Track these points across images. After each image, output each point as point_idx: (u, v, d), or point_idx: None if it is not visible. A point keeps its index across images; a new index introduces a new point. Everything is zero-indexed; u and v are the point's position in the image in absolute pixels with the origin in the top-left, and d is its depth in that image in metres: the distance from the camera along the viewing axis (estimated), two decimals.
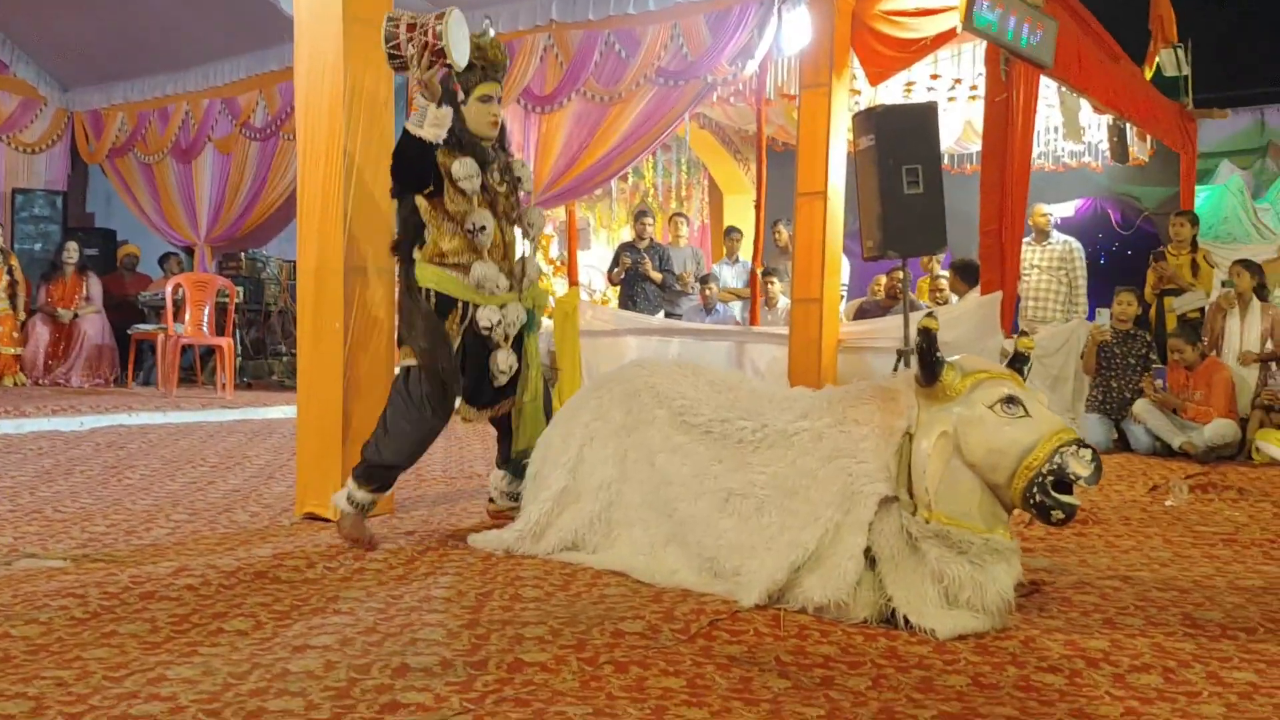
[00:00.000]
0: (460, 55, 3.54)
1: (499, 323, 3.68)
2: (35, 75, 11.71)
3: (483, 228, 3.65)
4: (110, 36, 10.64)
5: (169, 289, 8.99)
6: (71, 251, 9.94)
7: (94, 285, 10.00)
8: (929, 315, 2.61)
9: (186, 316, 8.95)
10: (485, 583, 3.07)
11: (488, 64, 3.80)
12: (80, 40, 10.86)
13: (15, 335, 9.42)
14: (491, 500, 4.08)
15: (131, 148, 11.72)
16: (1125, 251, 11.46)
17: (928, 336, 2.61)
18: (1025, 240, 8.59)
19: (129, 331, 9.61)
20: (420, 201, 3.65)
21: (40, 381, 9.55)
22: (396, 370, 3.86)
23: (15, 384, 9.28)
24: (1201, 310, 7.25)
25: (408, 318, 3.71)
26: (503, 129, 3.90)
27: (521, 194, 3.96)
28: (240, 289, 9.78)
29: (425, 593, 2.95)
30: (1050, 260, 8.46)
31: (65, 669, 2.22)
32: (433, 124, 3.50)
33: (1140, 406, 6.64)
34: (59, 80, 11.91)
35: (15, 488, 4.64)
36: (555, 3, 8.71)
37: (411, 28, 3.46)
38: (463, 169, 3.61)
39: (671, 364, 3.52)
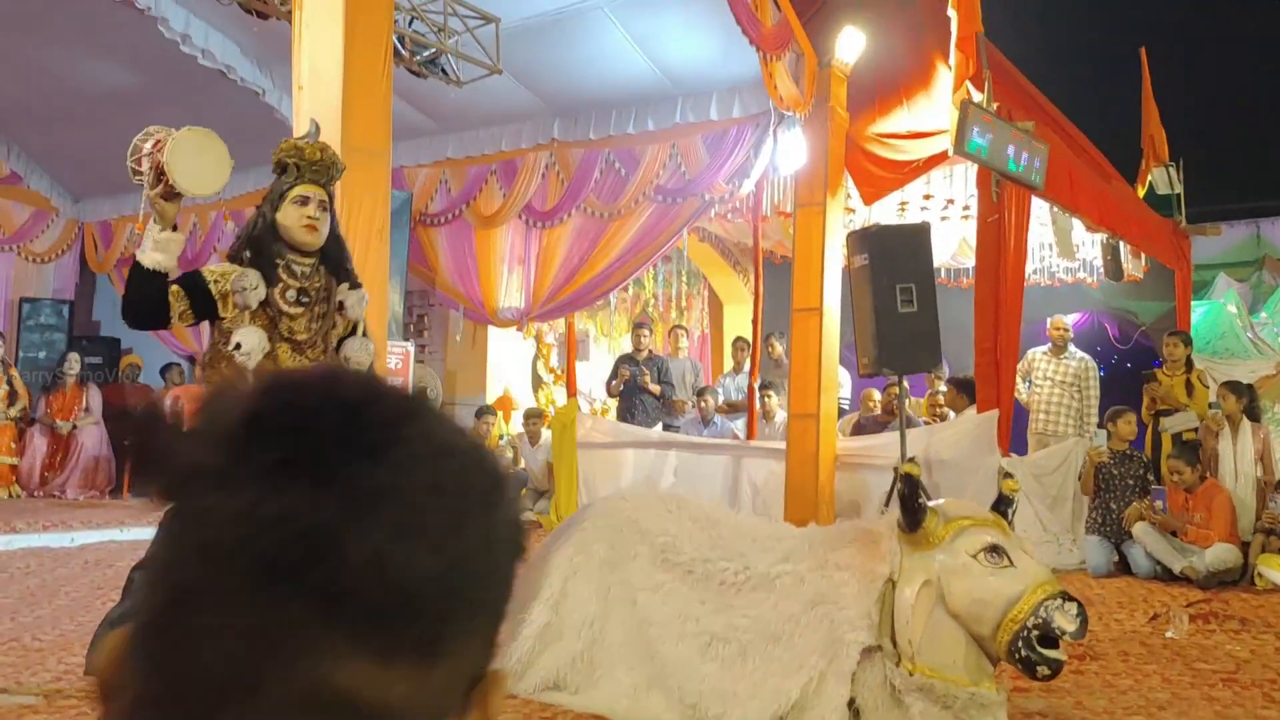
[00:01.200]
0: (184, 177, 3.23)
1: None
2: (48, 186, 11.92)
3: (238, 345, 3.18)
4: (120, 149, 10.78)
5: (166, 401, 9.00)
6: (72, 363, 9.99)
7: (94, 396, 10.02)
8: (911, 461, 2.60)
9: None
10: None
11: (304, 164, 3.47)
12: (91, 153, 11.10)
13: (13, 446, 9.42)
14: None
15: None
16: (1124, 364, 11.46)
17: (910, 483, 2.59)
18: (1041, 351, 8.55)
19: (125, 443, 9.59)
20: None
21: (36, 494, 9.50)
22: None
23: (10, 495, 9.23)
24: (1196, 430, 7.22)
25: None
26: (340, 246, 3.54)
27: (347, 322, 3.50)
28: None
29: None
30: (1065, 375, 8.40)
31: None
32: (155, 248, 3.15)
33: (1140, 529, 6.55)
34: (70, 191, 12.13)
35: None
36: (557, 122, 8.92)
37: (158, 144, 3.23)
38: (241, 280, 3.25)
39: (655, 497, 3.49)
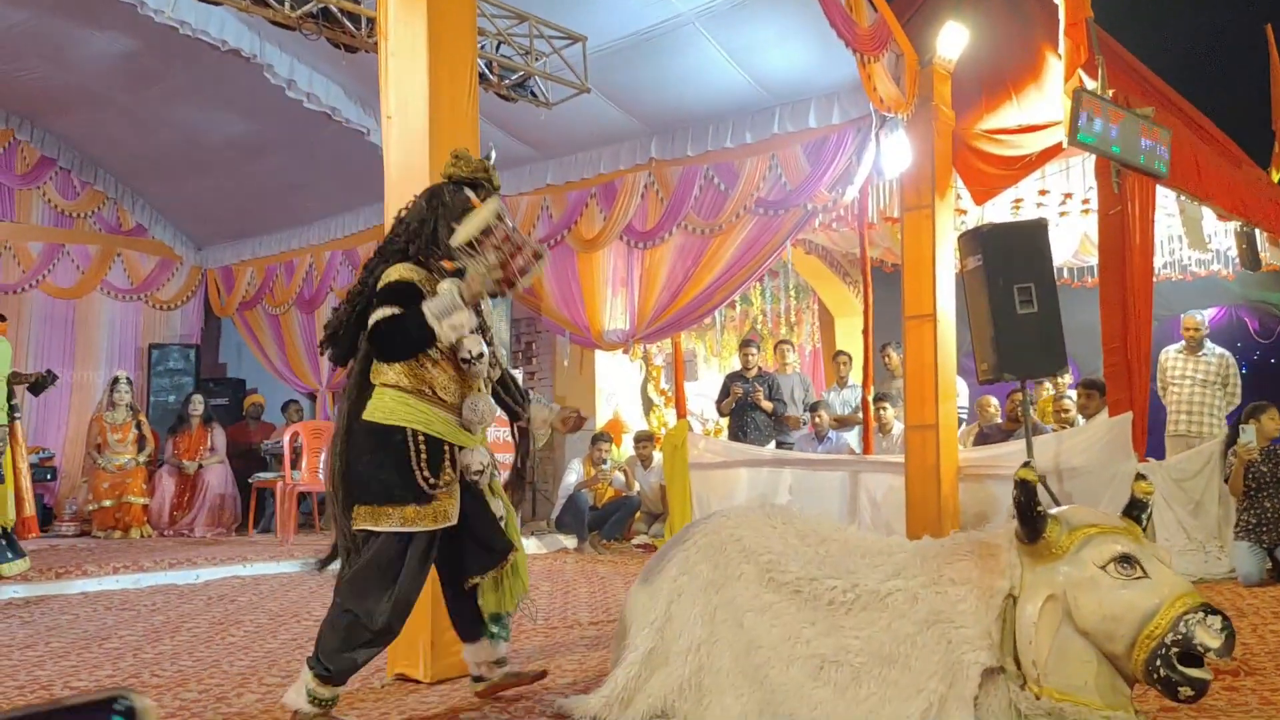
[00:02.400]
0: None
1: (489, 465, 3.33)
2: (171, 236, 12.43)
3: (480, 355, 3.26)
4: (238, 197, 11.26)
5: (287, 437, 9.23)
6: (197, 404, 10.32)
7: (218, 436, 10.34)
8: (1026, 465, 2.40)
9: (304, 464, 9.13)
10: None
11: (490, 185, 3.48)
12: (210, 201, 11.53)
13: (144, 487, 9.76)
14: (478, 679, 3.57)
15: (260, 300, 12.27)
16: (1268, 360, 10.78)
17: (1026, 489, 2.39)
18: (1174, 350, 8.20)
19: (250, 480, 9.86)
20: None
21: (165, 533, 9.82)
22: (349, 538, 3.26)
23: (142, 535, 9.56)
24: None
25: (371, 466, 3.18)
26: None
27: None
28: None
29: None
30: (1206, 373, 8.01)
31: None
32: (453, 327, 3.17)
33: None
34: (193, 240, 12.62)
35: (121, 649, 4.68)
36: (654, 141, 8.86)
37: (508, 241, 3.24)
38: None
39: (759, 513, 3.33)
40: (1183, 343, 8.24)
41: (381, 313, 3.19)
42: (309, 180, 10.66)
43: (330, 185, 10.65)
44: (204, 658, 4.48)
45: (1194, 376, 8.03)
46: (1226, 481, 6.64)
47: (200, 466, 10.09)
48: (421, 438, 3.18)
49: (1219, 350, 8.17)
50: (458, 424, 3.28)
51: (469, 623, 3.54)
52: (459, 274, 3.28)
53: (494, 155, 3.62)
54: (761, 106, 8.10)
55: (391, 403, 3.21)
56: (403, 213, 3.52)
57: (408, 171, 4.30)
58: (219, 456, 10.25)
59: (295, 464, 9.18)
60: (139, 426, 9.88)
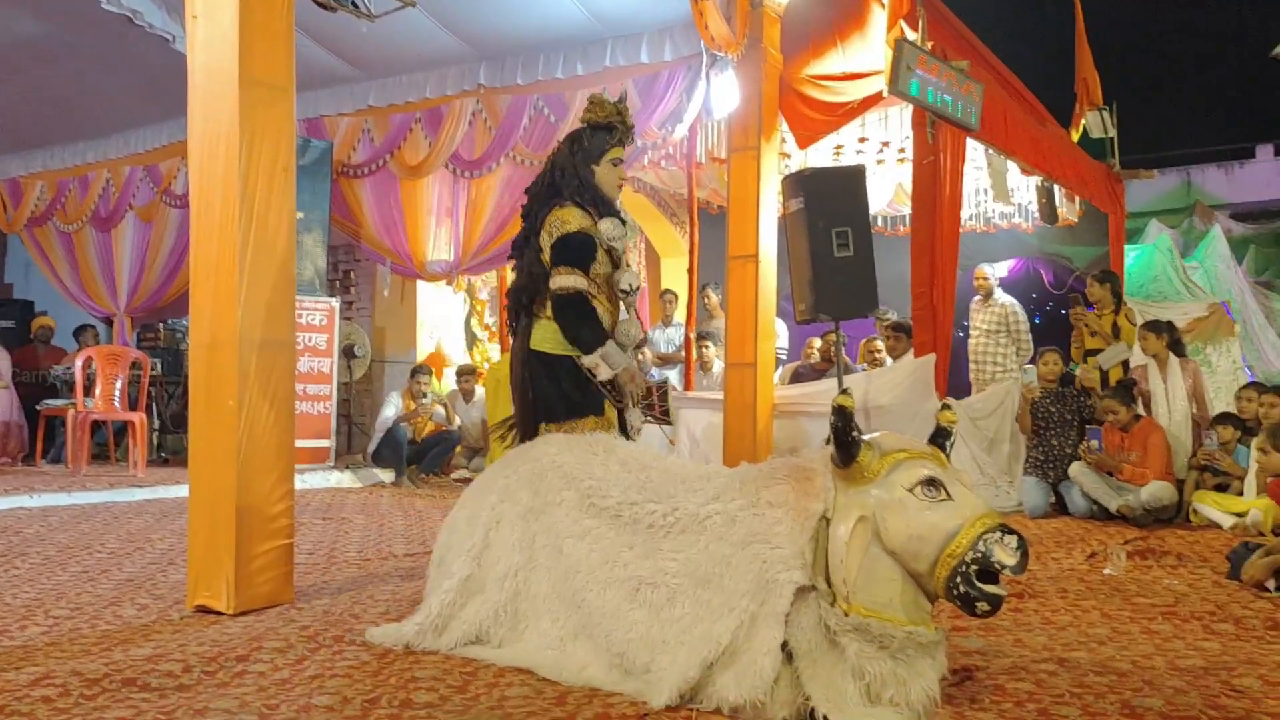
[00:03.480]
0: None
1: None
2: None
3: (636, 289, 3.74)
4: (29, 103, 10.36)
5: (79, 363, 8.64)
6: None
7: (2, 360, 9.58)
8: (844, 393, 2.45)
9: (98, 391, 8.58)
10: (375, 686, 2.81)
11: (625, 129, 3.83)
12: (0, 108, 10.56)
13: None
14: None
15: (51, 216, 11.39)
16: (1060, 311, 11.51)
17: (843, 415, 2.44)
18: (975, 300, 8.67)
19: (38, 407, 9.20)
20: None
21: None
22: None
23: None
24: (1126, 365, 7.20)
25: (552, 388, 3.71)
26: None
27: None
28: (158, 361, 9.43)
29: (306, 700, 2.69)
30: (990, 322, 8.48)
31: None
32: (596, 363, 3.71)
33: (1076, 469, 6.55)
34: None
35: None
36: (483, 67, 8.63)
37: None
38: (612, 229, 3.67)
39: (580, 441, 3.32)
40: (978, 296, 8.71)
41: (566, 283, 3.65)
42: (107, 89, 9.89)
43: (130, 96, 9.92)
44: None
45: (981, 327, 8.51)
46: (1018, 421, 7.07)
47: None
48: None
49: (1004, 300, 8.65)
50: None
51: None
52: (616, 214, 3.78)
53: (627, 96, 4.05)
54: (594, 38, 8.00)
55: (556, 335, 3.70)
56: (553, 157, 3.89)
57: (214, 77, 4.01)
58: (3, 381, 9.50)
59: (89, 391, 8.61)
60: None
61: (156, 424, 9.71)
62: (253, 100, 3.95)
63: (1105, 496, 6.41)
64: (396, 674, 2.93)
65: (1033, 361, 7.84)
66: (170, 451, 9.72)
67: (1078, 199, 9.92)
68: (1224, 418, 6.59)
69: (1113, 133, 10.36)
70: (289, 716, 2.55)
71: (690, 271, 8.50)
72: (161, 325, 10.22)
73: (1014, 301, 8.68)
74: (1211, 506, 6.13)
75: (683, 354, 8.97)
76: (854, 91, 7.25)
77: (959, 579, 2.33)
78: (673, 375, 9.41)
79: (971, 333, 8.55)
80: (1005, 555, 2.30)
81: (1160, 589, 4.31)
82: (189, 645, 3.26)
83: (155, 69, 8.92)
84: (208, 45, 4.09)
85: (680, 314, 9.73)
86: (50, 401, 9.19)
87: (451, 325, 10.85)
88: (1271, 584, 4.26)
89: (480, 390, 9.26)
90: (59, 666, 2.99)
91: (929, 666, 2.45)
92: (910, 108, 7.35)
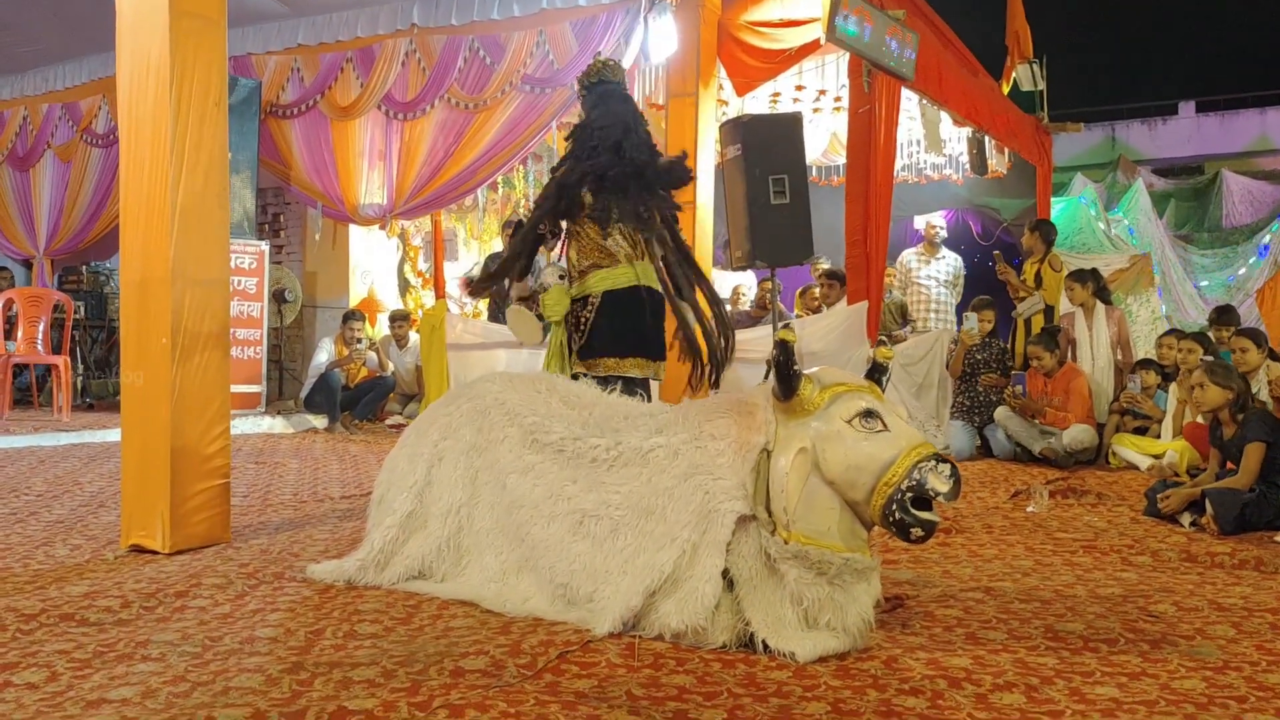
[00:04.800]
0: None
1: None
2: None
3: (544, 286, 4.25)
4: None
5: (0, 304, 8.38)
6: None
7: None
8: (786, 327, 2.50)
9: (19, 334, 8.35)
10: (319, 619, 2.83)
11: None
12: None
13: None
14: None
15: None
16: (986, 262, 11.72)
17: (785, 349, 2.49)
18: (913, 252, 8.80)
19: None
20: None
21: None
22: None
23: None
24: (1046, 313, 7.39)
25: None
26: None
27: None
28: (81, 304, 9.19)
29: (250, 633, 2.70)
30: (945, 274, 8.65)
31: None
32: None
33: (1001, 414, 6.73)
34: None
35: None
36: (417, 6, 8.46)
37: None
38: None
39: (523, 378, 3.33)
40: (921, 245, 8.84)
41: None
42: (25, 22, 9.49)
43: (49, 29, 9.53)
44: None
45: (937, 278, 8.65)
46: (948, 367, 7.22)
47: None
48: None
49: (952, 254, 8.85)
50: None
51: None
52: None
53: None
54: None
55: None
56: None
57: (143, 8, 3.88)
58: None
59: (10, 334, 8.38)
60: None
61: (80, 368, 9.49)
62: (183, 31, 3.86)
63: (1029, 439, 6.61)
64: (340, 608, 2.95)
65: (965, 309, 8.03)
66: (95, 396, 9.51)
67: (1007, 151, 10.08)
68: (1146, 363, 6.81)
69: (1042, 86, 10.51)
70: (232, 648, 2.56)
71: None
72: (84, 268, 9.95)
73: (958, 256, 8.94)
74: (1130, 449, 6.34)
75: None
76: (792, 38, 7.27)
77: (895, 506, 2.41)
78: None
79: (926, 283, 8.66)
80: (939, 482, 2.38)
81: (1081, 525, 4.48)
82: (126, 583, 3.24)
83: (75, 3, 8.59)
84: None
85: None
86: None
87: (384, 271, 10.73)
88: (1186, 519, 4.44)
89: (414, 336, 9.19)
90: None
91: (864, 592, 2.53)
92: (847, 57, 7.38)
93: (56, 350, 8.66)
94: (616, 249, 4.05)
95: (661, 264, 4.08)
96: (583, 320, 4.07)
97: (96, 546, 3.87)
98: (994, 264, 7.85)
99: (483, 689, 2.26)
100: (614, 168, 3.99)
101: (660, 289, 4.08)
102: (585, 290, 4.08)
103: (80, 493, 5.12)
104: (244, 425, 8.07)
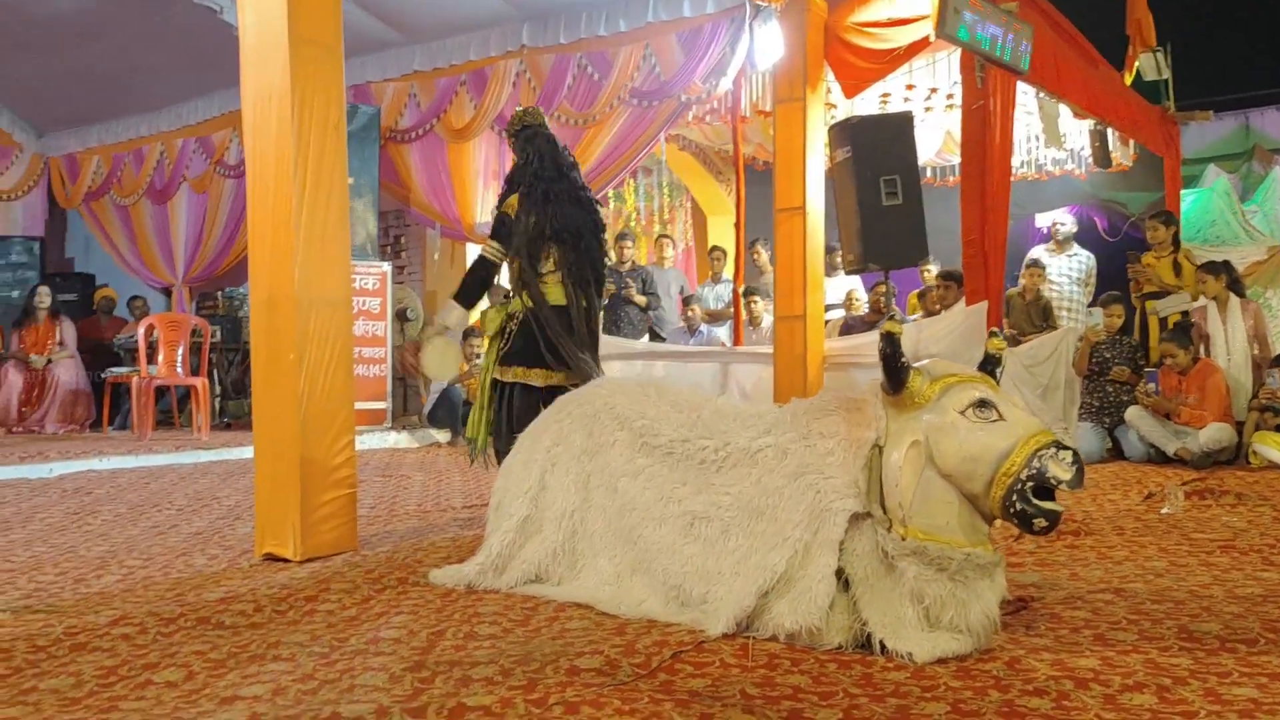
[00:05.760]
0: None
1: None
2: (9, 122, 11.62)
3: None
4: (82, 80, 10.56)
5: (141, 331, 8.84)
6: (43, 297, 9.76)
7: (67, 330, 9.83)
8: (891, 319, 2.46)
9: (160, 358, 8.78)
10: (440, 621, 2.90)
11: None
12: (51, 85, 10.77)
13: None
14: None
15: (107, 190, 11.62)
16: (1113, 259, 11.32)
17: (891, 341, 2.46)
18: (1044, 249, 8.61)
19: (103, 376, 9.44)
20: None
21: (14, 430, 9.36)
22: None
23: None
24: (1186, 313, 7.10)
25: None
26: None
27: None
28: (217, 328, 9.62)
29: (374, 634, 2.78)
30: (1076, 271, 8.47)
31: None
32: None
33: (1133, 414, 6.48)
34: (34, 126, 11.81)
35: None
36: (526, 27, 8.64)
37: None
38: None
39: (632, 383, 3.36)
40: (1051, 242, 8.63)
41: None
42: (155, 63, 10.03)
43: (180, 68, 10.05)
44: (59, 544, 4.32)
45: (1069, 275, 8.42)
46: (1074, 365, 7.00)
47: (49, 361, 9.60)
48: None
49: (1086, 252, 8.61)
50: None
51: None
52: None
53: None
54: None
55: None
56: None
57: (265, 36, 4.05)
58: (69, 351, 9.76)
59: (152, 358, 8.82)
60: None
61: (218, 389, 9.93)
62: (303, 58, 4.01)
63: (1163, 440, 6.35)
64: (460, 610, 3.01)
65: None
66: (232, 416, 9.93)
67: (1132, 143, 9.73)
68: None
69: (1167, 75, 10.12)
70: (358, 648, 2.64)
71: (737, 227, 8.48)
72: (219, 294, 10.41)
73: (1090, 254, 8.70)
74: (1272, 447, 6.04)
75: (731, 310, 8.97)
76: (901, 37, 7.16)
77: (1015, 497, 2.35)
78: (722, 331, 9.43)
79: (1055, 279, 8.45)
80: (1060, 470, 2.31)
81: (1219, 525, 4.28)
82: (259, 589, 3.37)
83: (204, 41, 9.03)
84: (257, 5, 4.15)
85: (728, 270, 9.72)
86: (115, 370, 9.42)
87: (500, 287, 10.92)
88: None
89: None
90: (135, 609, 3.11)
91: (988, 588, 2.47)
92: (958, 52, 7.24)
93: (195, 373, 9.09)
94: (542, 271, 4.50)
95: (570, 285, 4.53)
96: (508, 332, 4.56)
97: (232, 556, 4.04)
98: (1129, 262, 7.59)
99: (597, 687, 2.28)
100: (544, 200, 4.49)
101: (569, 307, 4.52)
102: (513, 307, 4.58)
103: (218, 506, 5.36)
104: (370, 440, 8.32)
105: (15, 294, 11.02)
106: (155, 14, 9.11)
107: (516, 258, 4.49)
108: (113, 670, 2.49)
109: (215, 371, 9.89)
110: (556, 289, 4.50)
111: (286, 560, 3.85)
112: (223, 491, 5.90)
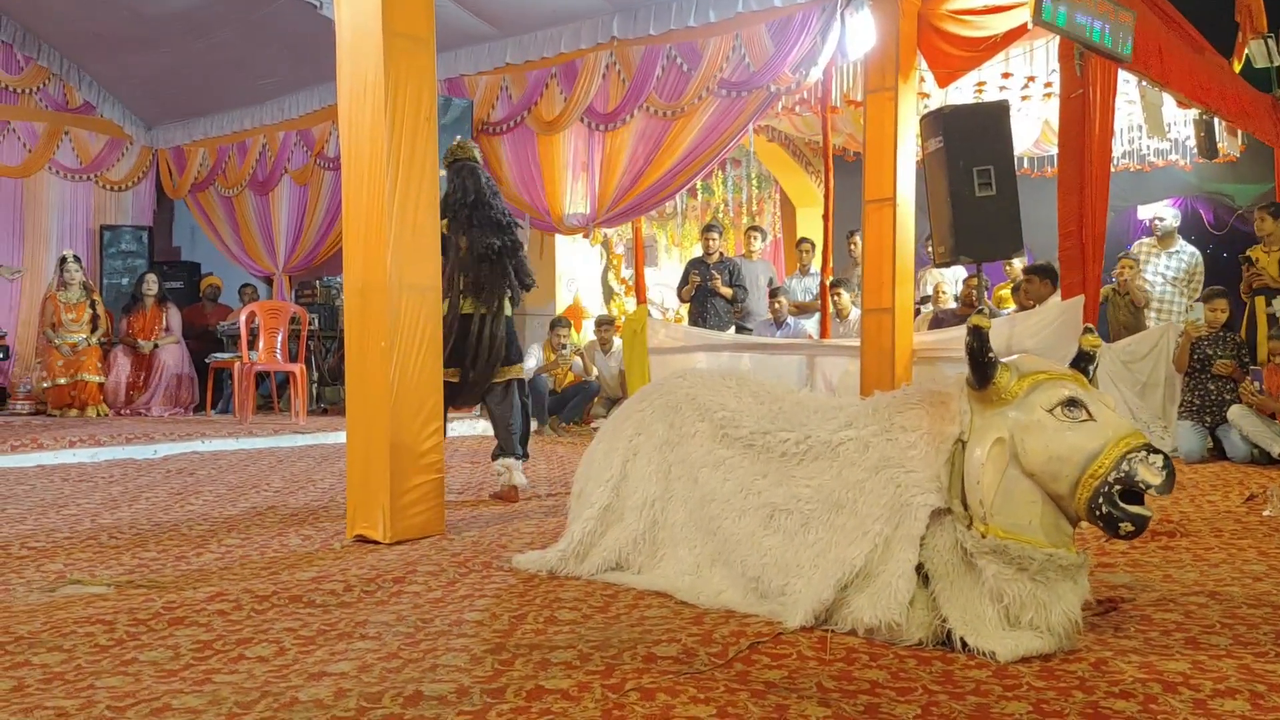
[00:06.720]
0: None
1: None
2: (121, 115, 12.07)
3: None
4: (188, 74, 10.92)
5: (243, 317, 9.13)
6: (151, 284, 10.16)
7: (173, 316, 10.20)
8: (979, 313, 2.43)
9: (261, 344, 9.06)
10: (521, 605, 2.95)
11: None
12: (160, 79, 11.17)
13: (99, 365, 9.64)
14: None
15: (212, 182, 12.01)
16: (1220, 253, 10.92)
17: (979, 335, 2.42)
18: (1148, 243, 8.36)
19: (207, 361, 9.78)
20: None
21: (122, 412, 9.76)
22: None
23: (98, 414, 9.49)
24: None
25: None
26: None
27: None
28: (315, 316, 9.89)
29: (458, 616, 2.84)
30: (1174, 270, 8.20)
31: (72, 698, 2.16)
32: None
33: (1236, 412, 6.26)
34: (143, 119, 12.26)
35: (79, 515, 4.68)
36: (616, 19, 8.67)
37: None
38: None
39: (713, 374, 3.37)
40: (1152, 238, 8.36)
41: None
42: (259, 58, 10.34)
43: (282, 63, 10.34)
44: (163, 523, 4.50)
45: (1165, 274, 8.16)
46: (1174, 362, 6.78)
47: (156, 346, 9.98)
48: None
49: (1191, 249, 8.30)
50: None
51: None
52: None
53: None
54: None
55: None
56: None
57: (360, 30, 4.15)
58: (174, 336, 10.14)
59: (253, 345, 9.11)
60: (93, 306, 9.74)
61: (315, 376, 10.20)
62: (396, 51, 4.09)
63: (1267, 440, 6.12)
64: (542, 595, 3.06)
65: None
66: (329, 402, 10.21)
67: (1240, 133, 9.37)
68: None
69: (1279, 62, 9.71)
70: (442, 630, 2.70)
71: (826, 219, 8.41)
72: (317, 282, 10.69)
73: (1197, 251, 8.40)
74: None
75: (819, 302, 8.90)
76: (996, 24, 7.01)
77: (1101, 499, 2.30)
78: (809, 324, 9.37)
79: (1150, 278, 8.20)
80: (1150, 475, 2.26)
81: None
82: (349, 569, 3.47)
83: (304, 36, 9.28)
84: (353, 1, 4.26)
85: (816, 263, 9.65)
86: (218, 355, 9.76)
87: (589, 278, 11.01)
88: None
89: (618, 341, 9.40)
90: (232, 586, 3.23)
91: (1070, 590, 2.42)
92: (1057, 40, 7.06)
93: (293, 359, 9.36)
94: (460, 286, 5.00)
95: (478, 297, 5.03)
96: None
97: (325, 537, 4.16)
98: (1242, 263, 7.31)
99: (674, 674, 2.30)
100: (468, 225, 5.03)
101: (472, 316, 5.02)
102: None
103: (314, 489, 5.52)
104: (460, 428, 8.47)
105: (125, 281, 11.46)
106: (258, 10, 9.38)
107: (463, 270, 5.03)
108: (208, 644, 2.59)
109: (313, 358, 10.17)
110: (468, 301, 5.03)
111: (376, 542, 3.96)
112: (318, 474, 6.07)
